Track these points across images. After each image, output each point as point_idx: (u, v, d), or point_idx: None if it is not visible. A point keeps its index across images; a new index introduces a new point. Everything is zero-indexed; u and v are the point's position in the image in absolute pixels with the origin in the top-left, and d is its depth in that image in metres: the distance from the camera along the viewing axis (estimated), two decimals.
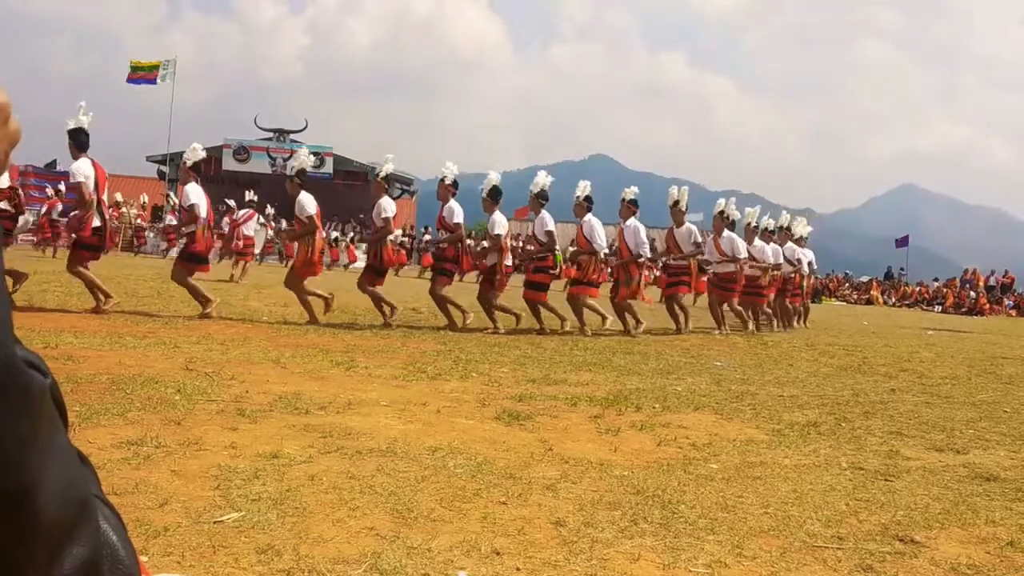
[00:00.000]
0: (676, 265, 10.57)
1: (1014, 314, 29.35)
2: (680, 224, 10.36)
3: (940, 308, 29.88)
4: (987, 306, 29.49)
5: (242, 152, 37.70)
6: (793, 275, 12.62)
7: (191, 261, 8.56)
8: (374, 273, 8.89)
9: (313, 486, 2.88)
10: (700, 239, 10.48)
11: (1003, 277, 33.08)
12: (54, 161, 32.34)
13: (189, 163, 8.74)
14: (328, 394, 4.60)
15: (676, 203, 10.41)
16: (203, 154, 8.89)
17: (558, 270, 9.49)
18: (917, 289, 33.70)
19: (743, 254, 11.02)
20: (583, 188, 9.60)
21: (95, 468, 0.54)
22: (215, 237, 11.84)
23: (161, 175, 39.08)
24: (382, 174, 9.10)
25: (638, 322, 9.81)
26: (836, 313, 21.38)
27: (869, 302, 32.33)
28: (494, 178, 9.26)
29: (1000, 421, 5.17)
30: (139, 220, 30.59)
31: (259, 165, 37.28)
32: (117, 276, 13.08)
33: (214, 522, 2.47)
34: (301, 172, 8.70)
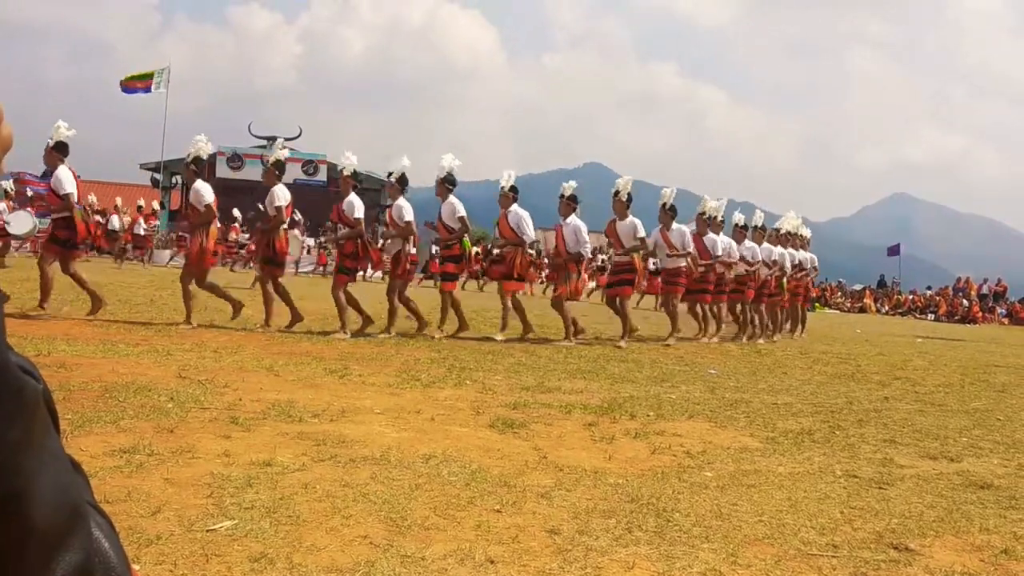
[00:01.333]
0: (620, 262, 9.96)
1: (1007, 322, 29.47)
2: (623, 217, 9.71)
3: (933, 316, 29.97)
4: (980, 314, 29.61)
5: (236, 160, 37.67)
6: (770, 277, 11.89)
7: (57, 244, 8.14)
8: (273, 265, 8.50)
9: (307, 494, 2.87)
10: (644, 233, 9.79)
11: (996, 286, 33.20)
12: (46, 170, 32.30)
13: (52, 143, 8.12)
14: (322, 402, 4.59)
15: (617, 193, 9.77)
16: (70, 133, 8.21)
17: (466, 258, 9.04)
18: (910, 297, 33.81)
19: (692, 248, 10.45)
20: (510, 178, 9.29)
21: (87, 476, 0.53)
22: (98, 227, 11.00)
23: (155, 183, 39.03)
24: (272, 159, 8.70)
25: (577, 330, 9.37)
26: (829, 321, 21.43)
27: (862, 310, 32.42)
28: (407, 164, 8.87)
29: (993, 429, 5.19)
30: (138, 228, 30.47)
31: (253, 172, 37.26)
32: (110, 284, 13.04)
33: (207, 530, 2.46)
34: (197, 160, 8.43)
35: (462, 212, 8.90)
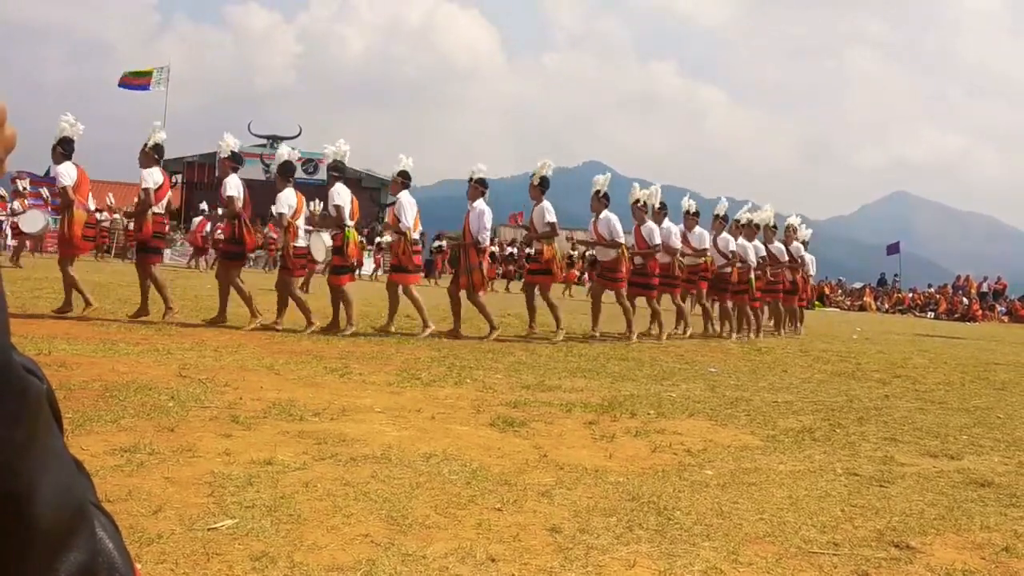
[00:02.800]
0: (537, 250, 9.38)
1: (1007, 320, 29.47)
2: (538, 202, 9.15)
3: (933, 314, 29.97)
4: (980, 312, 29.60)
5: (235, 158, 37.75)
6: (728, 270, 11.11)
7: None
8: (148, 252, 8.21)
9: (307, 493, 2.87)
10: (554, 218, 9.03)
11: (995, 283, 33.20)
12: (49, 168, 32.33)
13: None
14: (322, 401, 4.59)
15: (533, 175, 9.24)
16: None
17: (347, 249, 8.52)
18: (910, 295, 33.81)
19: (622, 237, 9.65)
20: (402, 162, 8.80)
21: (90, 475, 0.53)
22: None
23: None
24: (151, 143, 8.23)
25: (492, 327, 8.81)
26: (829, 320, 21.43)
27: (862, 308, 32.42)
28: (284, 153, 8.62)
29: (994, 427, 5.19)
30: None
31: (253, 171, 37.32)
32: (111, 283, 13.04)
33: (208, 529, 2.46)
34: (64, 141, 8.08)
35: (337, 201, 8.49)
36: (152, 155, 8.24)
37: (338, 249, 8.59)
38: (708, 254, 11.13)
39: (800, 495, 3.27)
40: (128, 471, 2.99)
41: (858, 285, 37.29)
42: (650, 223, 10.15)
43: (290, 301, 8.43)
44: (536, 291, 9.37)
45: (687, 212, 11.17)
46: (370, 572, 2.22)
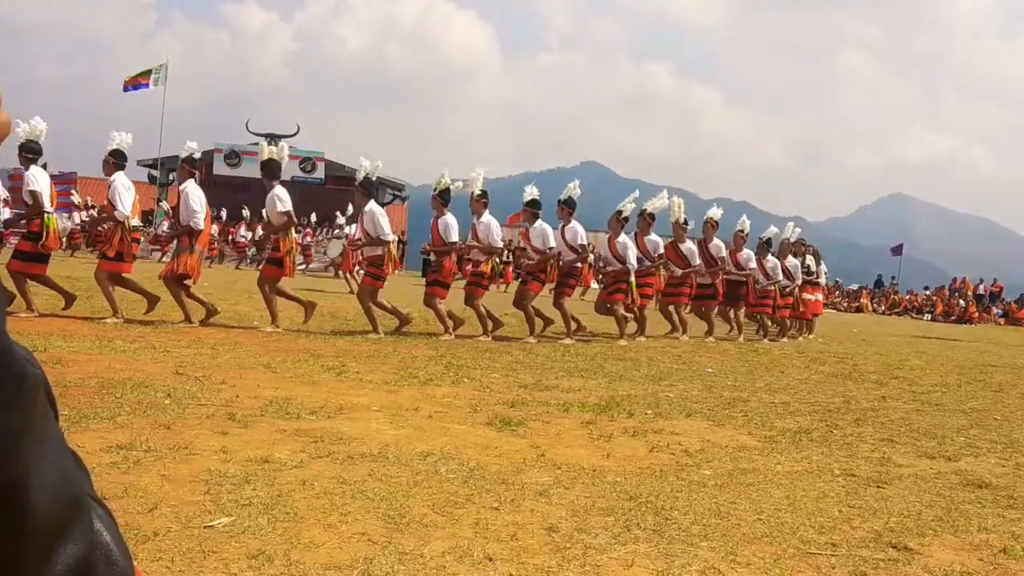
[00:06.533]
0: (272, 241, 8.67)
1: (1003, 323, 29.50)
2: (270, 188, 8.43)
3: (930, 316, 30.01)
4: (976, 314, 29.64)
5: (233, 157, 37.58)
6: (579, 265, 9.45)
7: None
8: None
9: (304, 491, 2.86)
10: (290, 207, 8.36)
11: (992, 286, 33.24)
12: (44, 165, 32.24)
13: None
14: (319, 399, 4.57)
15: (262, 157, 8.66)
16: None
17: (46, 235, 7.88)
18: (907, 297, 33.85)
19: (390, 236, 8.71)
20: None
21: (87, 468, 0.52)
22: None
23: (152, 179, 38.96)
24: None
25: (209, 313, 8.19)
26: (826, 321, 21.45)
27: (859, 310, 32.45)
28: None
29: (991, 428, 5.19)
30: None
31: (250, 170, 37.33)
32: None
33: (204, 527, 2.45)
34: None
35: (33, 186, 7.93)
36: None
37: (35, 235, 8.00)
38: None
39: (798, 496, 3.27)
40: (124, 468, 2.98)
41: (855, 287, 37.34)
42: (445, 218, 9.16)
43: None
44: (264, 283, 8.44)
45: (524, 203, 9.58)
46: (367, 570, 2.21)
